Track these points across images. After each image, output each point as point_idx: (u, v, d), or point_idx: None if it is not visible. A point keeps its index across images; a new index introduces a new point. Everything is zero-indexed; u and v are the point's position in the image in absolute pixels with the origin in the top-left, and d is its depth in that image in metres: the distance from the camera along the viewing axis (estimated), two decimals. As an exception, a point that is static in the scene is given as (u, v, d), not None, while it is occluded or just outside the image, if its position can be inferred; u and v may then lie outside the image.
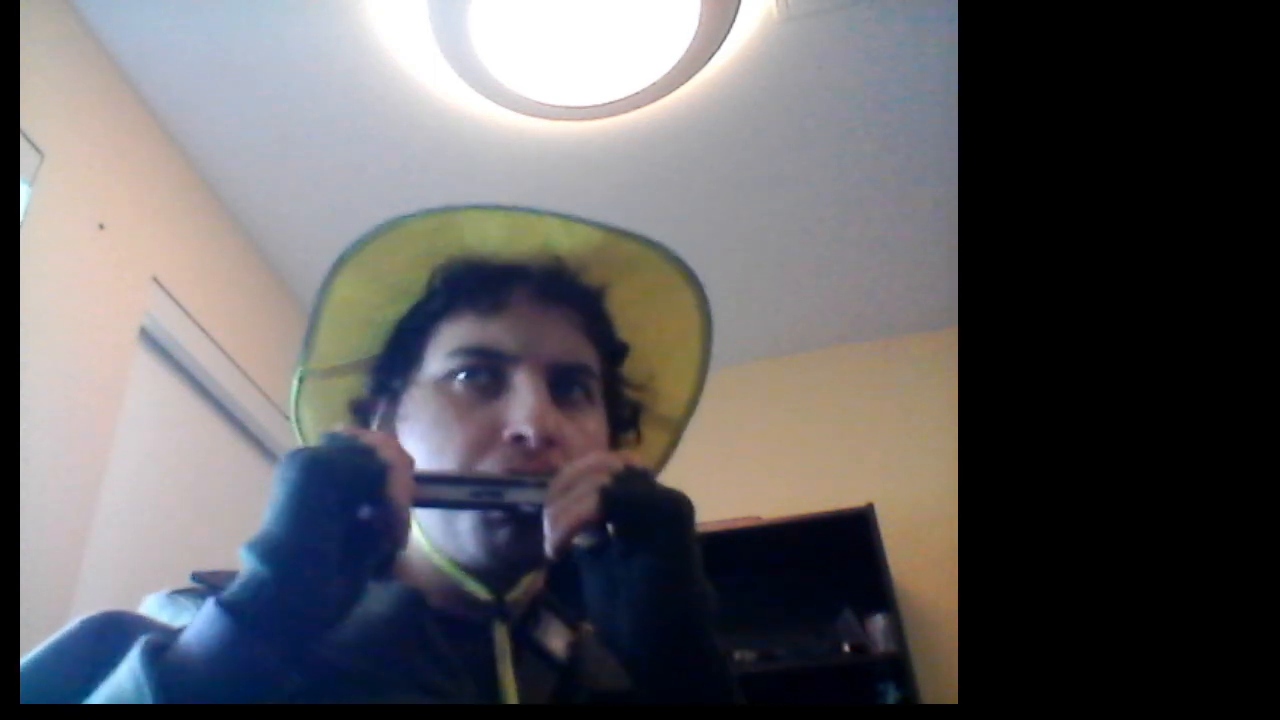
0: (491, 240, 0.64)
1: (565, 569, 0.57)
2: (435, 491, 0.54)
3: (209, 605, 0.45)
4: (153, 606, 0.56)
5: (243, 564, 0.47)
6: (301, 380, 0.68)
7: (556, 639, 0.61)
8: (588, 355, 0.63)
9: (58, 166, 1.58)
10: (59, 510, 1.49)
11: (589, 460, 0.55)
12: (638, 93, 1.90)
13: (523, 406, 0.57)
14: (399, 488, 0.50)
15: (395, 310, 0.65)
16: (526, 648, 0.59)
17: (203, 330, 2.00)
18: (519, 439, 0.57)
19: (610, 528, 0.53)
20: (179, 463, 1.96)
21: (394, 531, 0.50)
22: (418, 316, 0.64)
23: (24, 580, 1.30)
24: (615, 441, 0.67)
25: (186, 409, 2.02)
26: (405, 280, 0.65)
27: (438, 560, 0.59)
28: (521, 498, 0.54)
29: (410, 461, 0.53)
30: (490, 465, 0.57)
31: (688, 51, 1.81)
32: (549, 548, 0.52)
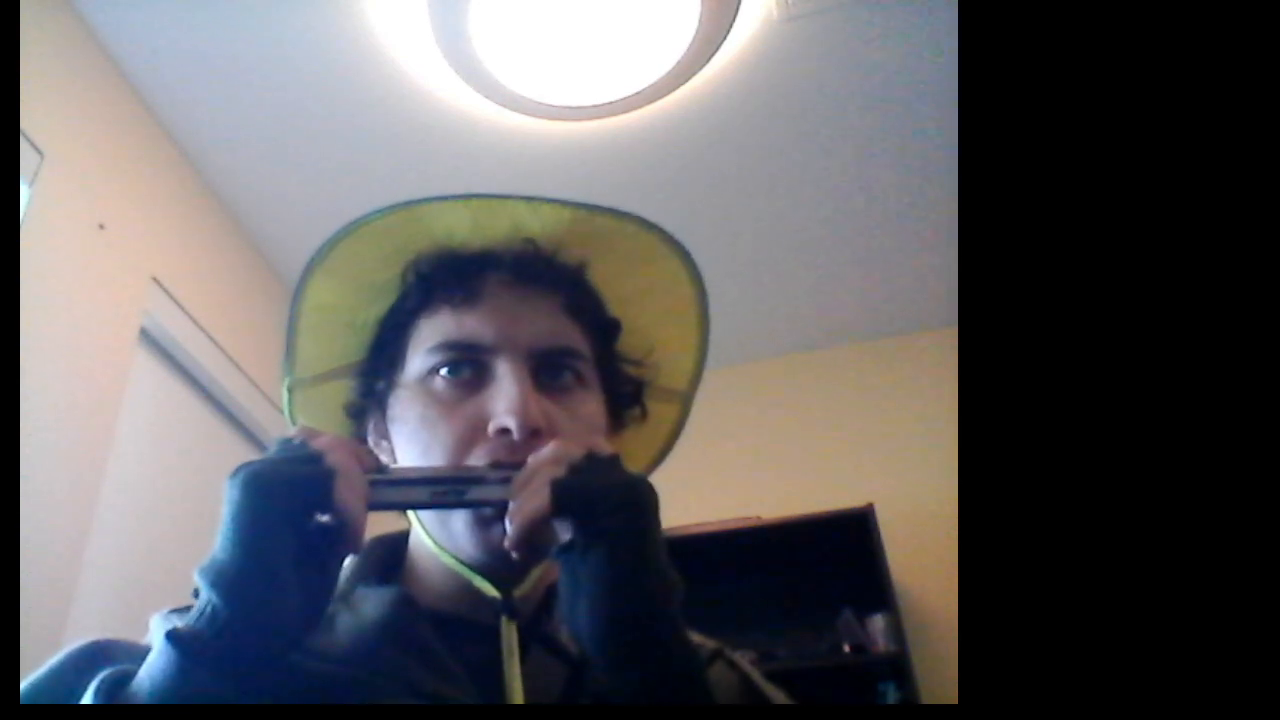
0: (459, 231, 0.63)
1: None
2: (393, 494, 0.53)
3: (162, 638, 0.44)
4: (153, 626, 0.55)
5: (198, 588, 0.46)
6: (291, 391, 0.68)
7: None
8: (573, 337, 0.61)
9: (58, 166, 1.58)
10: (59, 510, 1.49)
11: (546, 452, 0.52)
12: (638, 93, 1.90)
13: (505, 398, 0.56)
14: (348, 493, 0.48)
15: (375, 311, 0.65)
16: (537, 642, 0.57)
17: (203, 330, 2.00)
18: (504, 431, 0.55)
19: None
20: (179, 463, 1.96)
21: (345, 538, 0.48)
22: (397, 315, 0.64)
23: (24, 580, 1.30)
24: (618, 421, 0.66)
25: (186, 409, 2.02)
26: (380, 280, 0.64)
27: (445, 559, 0.58)
28: (484, 495, 0.53)
29: (363, 463, 0.51)
30: (478, 460, 0.56)
31: (688, 51, 1.81)
32: (508, 545, 0.51)
